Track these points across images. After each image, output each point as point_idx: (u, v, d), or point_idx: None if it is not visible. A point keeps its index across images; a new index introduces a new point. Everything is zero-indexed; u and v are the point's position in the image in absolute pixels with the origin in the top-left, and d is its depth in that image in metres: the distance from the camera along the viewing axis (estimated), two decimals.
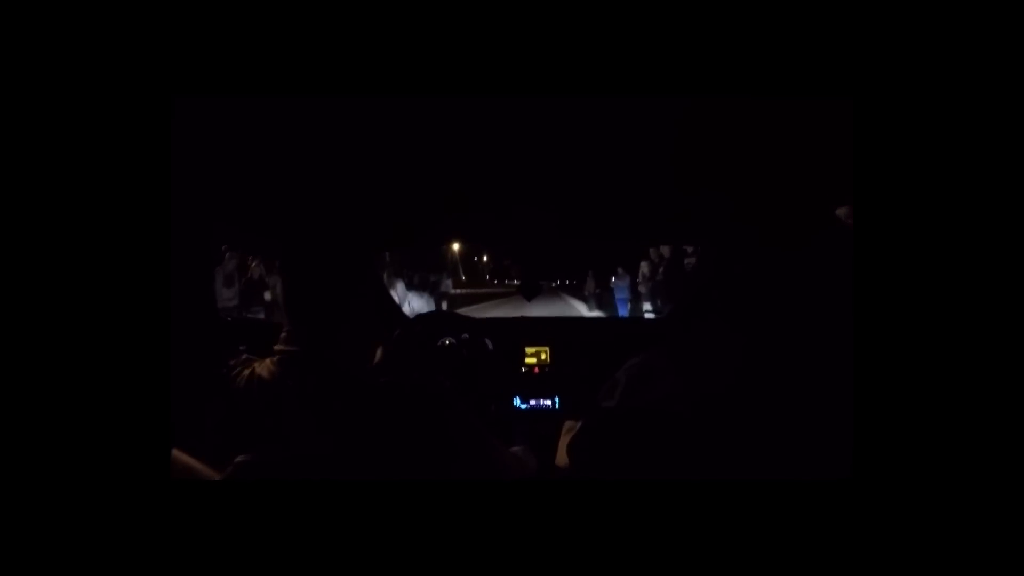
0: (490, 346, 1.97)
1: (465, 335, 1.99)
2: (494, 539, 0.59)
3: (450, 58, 0.55)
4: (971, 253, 0.46)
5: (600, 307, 12.59)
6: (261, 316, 4.90)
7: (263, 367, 0.77)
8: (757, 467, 0.59)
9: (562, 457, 0.94)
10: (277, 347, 0.78)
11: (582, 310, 13.72)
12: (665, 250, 5.78)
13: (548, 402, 1.88)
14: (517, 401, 1.90)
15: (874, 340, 0.48)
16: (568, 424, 1.03)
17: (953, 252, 0.47)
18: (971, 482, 0.44)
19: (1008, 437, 0.43)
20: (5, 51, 0.46)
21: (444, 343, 1.98)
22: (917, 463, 0.45)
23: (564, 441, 0.97)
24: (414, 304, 5.52)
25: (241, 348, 0.86)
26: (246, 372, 0.79)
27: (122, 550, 0.48)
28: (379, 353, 1.57)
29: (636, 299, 7.77)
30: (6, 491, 0.45)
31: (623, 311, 8.48)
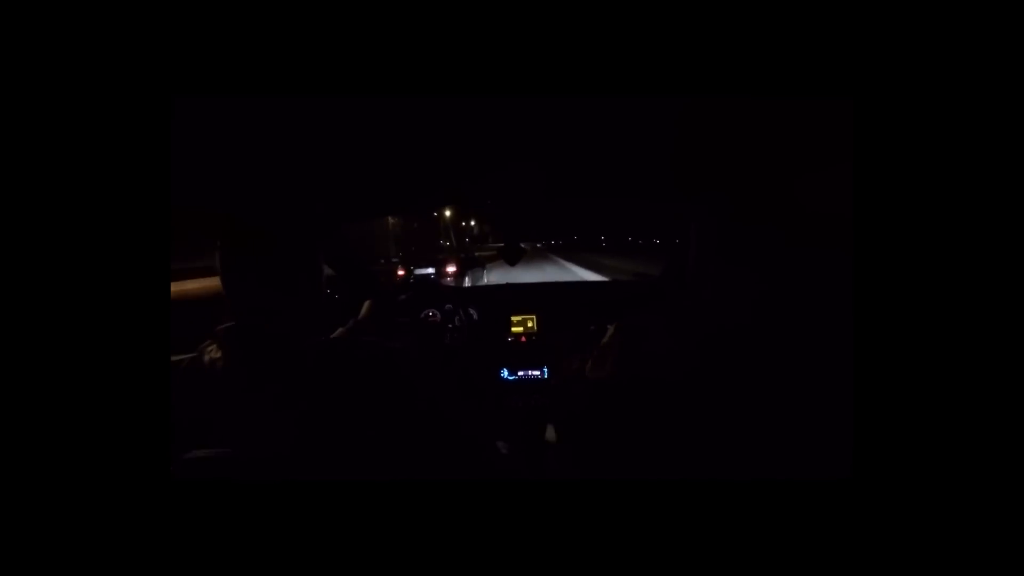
0: (475, 316, 1.96)
1: (449, 306, 1.98)
2: (489, 539, 0.61)
3: (448, 58, 0.54)
4: (971, 252, 0.47)
5: None
6: None
7: (214, 347, 0.78)
8: (748, 449, 0.61)
9: (551, 432, 0.96)
10: (222, 326, 0.79)
11: (585, 276, 12.03)
12: None
13: (536, 372, 1.89)
14: (505, 372, 1.90)
15: (874, 340, 0.50)
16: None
17: (953, 252, 0.47)
18: (971, 482, 0.45)
19: (1008, 437, 0.45)
20: (5, 51, 0.45)
21: (428, 315, 1.98)
22: (917, 463, 0.47)
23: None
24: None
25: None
26: (201, 356, 0.80)
27: (122, 550, 0.48)
28: (365, 308, 1.57)
29: None
30: (6, 491, 0.45)
31: None
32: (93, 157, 0.49)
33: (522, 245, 2.55)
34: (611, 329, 0.83)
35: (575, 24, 0.51)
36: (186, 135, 0.67)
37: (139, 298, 0.51)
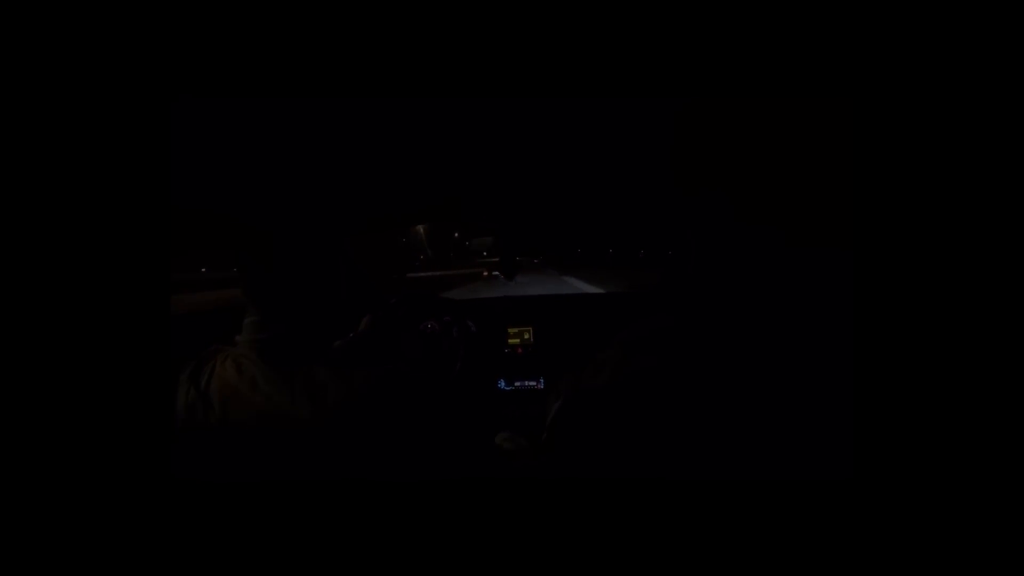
0: (473, 328, 1.96)
1: (447, 317, 1.98)
2: (487, 538, 0.60)
3: (446, 60, 0.54)
4: (971, 253, 0.47)
5: None
6: None
7: (229, 360, 0.77)
8: (749, 449, 0.60)
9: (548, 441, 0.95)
10: (241, 337, 0.78)
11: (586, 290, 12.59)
12: None
13: (533, 383, 1.89)
14: (502, 383, 1.90)
15: (874, 340, 0.49)
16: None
17: (953, 252, 0.47)
18: (973, 482, 0.45)
19: (1008, 437, 0.44)
20: (4, 51, 0.45)
21: (426, 327, 1.97)
22: (919, 464, 0.46)
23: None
24: None
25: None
26: (209, 366, 0.78)
27: (122, 549, 0.48)
28: (364, 321, 1.56)
29: None
30: (6, 491, 0.45)
31: None
32: (92, 158, 0.49)
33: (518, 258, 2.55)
34: (612, 341, 0.83)
35: (574, 24, 0.51)
36: (188, 138, 0.68)
37: (140, 299, 0.51)
